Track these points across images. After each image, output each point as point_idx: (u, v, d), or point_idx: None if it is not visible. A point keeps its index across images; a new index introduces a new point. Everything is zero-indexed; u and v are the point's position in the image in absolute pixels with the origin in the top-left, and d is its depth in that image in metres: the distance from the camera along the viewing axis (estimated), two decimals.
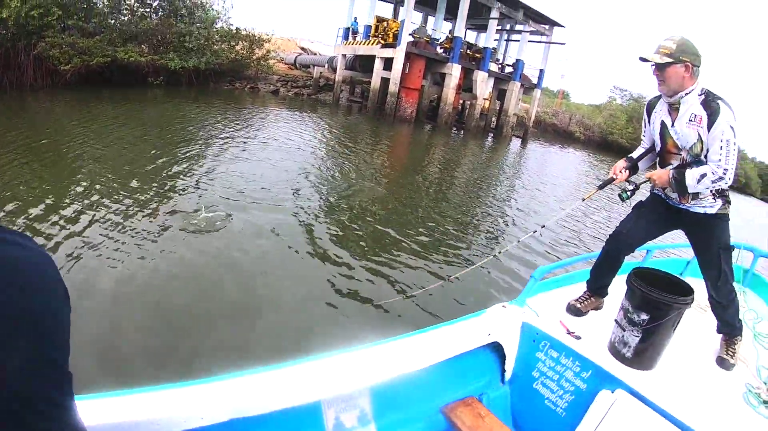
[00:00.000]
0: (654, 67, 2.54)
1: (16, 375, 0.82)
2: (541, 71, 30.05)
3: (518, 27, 29.73)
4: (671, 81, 2.52)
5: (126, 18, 20.39)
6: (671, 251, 5.25)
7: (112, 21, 19.92)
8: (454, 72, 23.83)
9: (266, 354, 3.63)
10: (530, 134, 31.01)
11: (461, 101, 27.96)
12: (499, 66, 29.77)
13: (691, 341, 2.87)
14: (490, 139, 27.00)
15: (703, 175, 2.48)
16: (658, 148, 2.81)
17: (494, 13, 25.48)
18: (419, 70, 23.27)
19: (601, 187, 3.04)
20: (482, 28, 30.54)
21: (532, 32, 28.71)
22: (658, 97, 2.74)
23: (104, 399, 1.54)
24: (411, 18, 23.16)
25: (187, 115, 14.45)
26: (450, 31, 27.71)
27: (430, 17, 31.65)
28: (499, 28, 30.11)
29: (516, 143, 28.06)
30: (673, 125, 2.63)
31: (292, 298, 4.66)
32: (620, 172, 2.88)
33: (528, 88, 29.99)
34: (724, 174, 2.44)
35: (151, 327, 3.87)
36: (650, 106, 2.82)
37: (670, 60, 2.47)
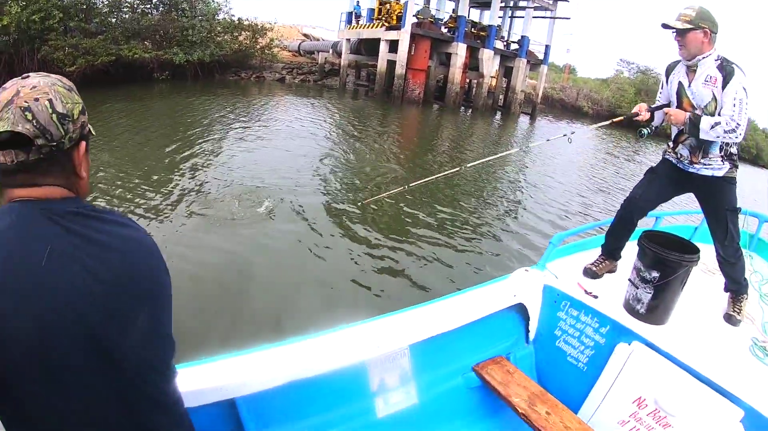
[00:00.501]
0: (675, 33, 2.74)
1: (140, 340, 1.05)
2: (547, 47, 29.79)
3: (522, 3, 29.54)
4: (691, 45, 2.71)
5: (127, 16, 20.36)
6: (680, 218, 5.43)
7: (114, 20, 19.90)
8: (459, 51, 23.75)
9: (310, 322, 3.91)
10: (538, 110, 30.83)
11: (468, 80, 27.85)
12: (505, 43, 29.58)
13: (700, 300, 3.06)
14: (498, 116, 27.05)
15: (717, 123, 2.64)
16: (673, 107, 2.97)
17: None
18: (425, 50, 23.23)
19: (626, 118, 3.21)
20: (486, 5, 30.28)
21: (536, 8, 28.41)
22: (678, 61, 2.92)
23: None
24: None
25: (196, 108, 14.61)
26: (453, 10, 27.61)
27: None
28: (503, 5, 29.97)
29: (524, 120, 28.06)
30: (690, 86, 2.82)
31: (323, 275, 4.95)
32: (644, 110, 3.04)
33: (534, 64, 29.74)
34: (737, 128, 2.61)
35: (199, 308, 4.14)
36: (669, 69, 3.00)
37: (690, 26, 2.66)
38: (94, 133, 1.17)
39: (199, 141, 10.10)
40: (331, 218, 6.50)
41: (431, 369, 2.47)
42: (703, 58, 2.71)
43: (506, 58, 28.04)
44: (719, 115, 2.69)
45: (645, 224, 3.80)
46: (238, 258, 5.06)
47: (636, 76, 43.59)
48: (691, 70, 2.81)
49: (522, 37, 28.33)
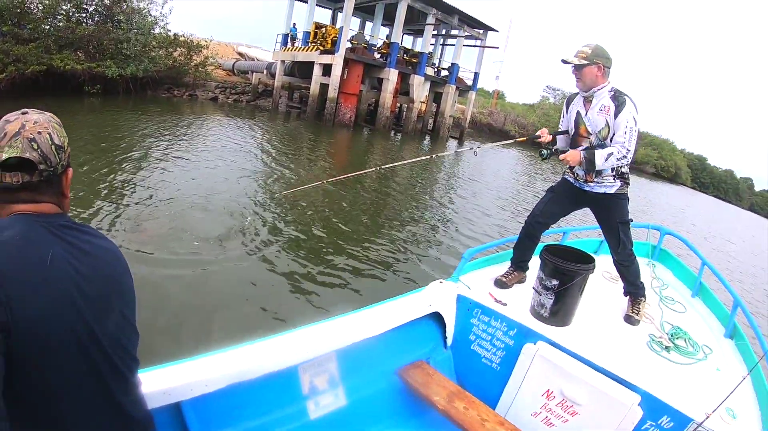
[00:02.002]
0: (573, 67, 3.10)
1: (115, 328, 1.34)
2: (476, 74, 30.93)
3: (453, 32, 30.51)
4: (587, 79, 3.08)
5: (61, 24, 19.41)
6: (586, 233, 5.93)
7: (48, 27, 18.91)
8: (391, 77, 24.30)
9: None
10: (466, 134, 31.87)
11: (399, 105, 28.46)
12: (435, 70, 30.58)
13: (603, 305, 3.45)
14: (427, 140, 27.81)
15: (610, 154, 3.00)
16: (571, 134, 3.34)
17: (430, 19, 26.16)
18: (357, 75, 23.67)
19: (531, 138, 3.55)
20: (419, 33, 31.35)
21: (467, 37, 29.53)
22: (576, 94, 3.29)
23: None
24: (349, 24, 23.54)
25: (127, 125, 14.18)
26: (387, 36, 28.22)
27: (368, 23, 32.11)
28: (435, 33, 30.89)
29: (452, 143, 28.99)
30: (586, 114, 3.18)
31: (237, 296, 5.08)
32: (546, 134, 3.37)
33: (463, 90, 30.84)
34: (627, 153, 2.99)
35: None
36: (569, 100, 3.38)
37: (586, 62, 3.03)
38: None
39: (127, 159, 9.89)
40: (257, 236, 6.62)
41: (357, 373, 2.66)
42: (598, 89, 3.08)
43: (436, 83, 28.93)
44: (611, 140, 3.06)
45: (555, 238, 4.21)
46: (164, 274, 5.08)
47: (560, 102, 45.86)
48: (587, 101, 3.17)
49: (452, 64, 29.35)
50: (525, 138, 3.71)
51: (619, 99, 3.02)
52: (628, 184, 3.26)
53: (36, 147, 1.20)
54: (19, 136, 1.19)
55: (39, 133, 1.22)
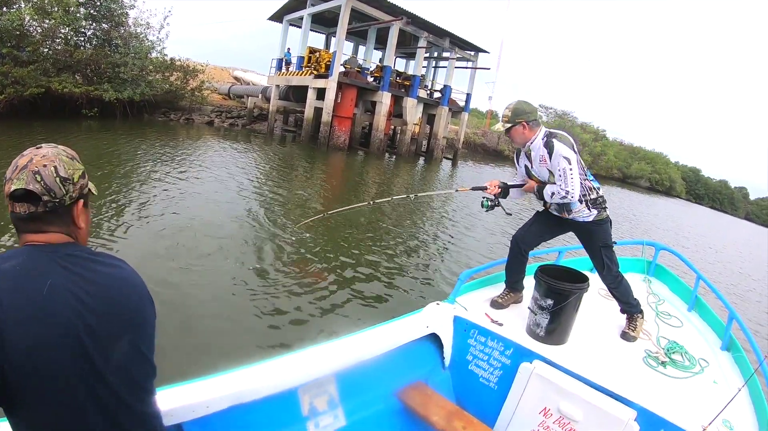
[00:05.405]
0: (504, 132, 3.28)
1: (123, 360, 1.33)
2: (468, 95, 31.34)
3: (445, 54, 30.98)
4: (517, 138, 3.28)
5: (60, 47, 19.48)
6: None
7: (46, 50, 19.02)
8: (384, 100, 24.43)
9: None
10: (460, 155, 32.09)
11: (392, 127, 28.59)
12: (428, 92, 30.92)
13: (600, 323, 3.51)
14: (421, 162, 27.93)
15: (554, 192, 3.18)
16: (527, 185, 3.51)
17: (422, 42, 26.52)
18: (351, 98, 23.81)
19: (474, 189, 3.66)
20: (411, 56, 31.73)
21: (458, 59, 29.90)
22: None
23: None
24: (342, 49, 23.74)
25: (123, 148, 14.21)
26: (380, 59, 28.51)
27: (360, 47, 32.49)
28: (427, 55, 31.33)
29: (447, 164, 29.15)
30: (532, 167, 3.36)
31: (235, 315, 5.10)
32: (495, 186, 3.52)
33: (456, 111, 31.12)
34: (567, 193, 3.12)
35: None
36: (518, 153, 3.51)
37: (510, 125, 3.22)
38: (95, 192, 1.48)
39: (123, 182, 9.94)
40: (258, 258, 6.68)
41: (357, 394, 2.71)
42: (532, 143, 3.26)
43: (429, 105, 29.13)
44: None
45: (551, 258, 4.27)
46: (169, 295, 5.10)
47: (554, 120, 46.19)
48: (528, 154, 3.35)
49: (444, 86, 29.62)
50: (469, 188, 3.76)
51: (549, 145, 3.17)
52: (605, 208, 3.37)
53: (39, 179, 1.24)
54: (26, 170, 1.24)
55: (44, 166, 1.25)
